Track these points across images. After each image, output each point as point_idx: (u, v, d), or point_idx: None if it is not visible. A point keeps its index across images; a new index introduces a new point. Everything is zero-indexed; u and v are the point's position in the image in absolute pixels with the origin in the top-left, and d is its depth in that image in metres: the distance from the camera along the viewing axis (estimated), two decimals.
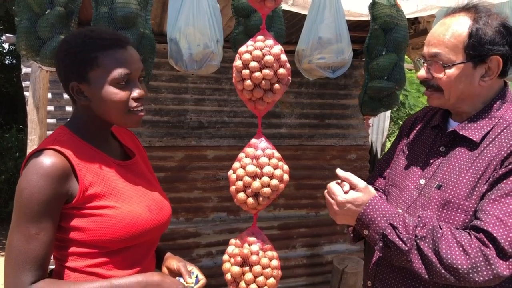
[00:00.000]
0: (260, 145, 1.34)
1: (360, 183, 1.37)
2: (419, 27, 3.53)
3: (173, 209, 3.91)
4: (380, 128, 5.68)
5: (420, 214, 1.34)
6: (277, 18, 1.86)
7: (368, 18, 2.10)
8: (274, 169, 1.30)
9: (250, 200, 1.31)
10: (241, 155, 1.35)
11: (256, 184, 1.28)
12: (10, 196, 7.13)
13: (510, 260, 1.16)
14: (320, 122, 4.32)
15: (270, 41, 1.27)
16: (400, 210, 1.42)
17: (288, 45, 1.92)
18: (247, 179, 1.29)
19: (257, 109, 1.35)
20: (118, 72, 1.26)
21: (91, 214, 1.27)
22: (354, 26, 3.48)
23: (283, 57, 1.26)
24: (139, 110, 1.33)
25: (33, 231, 1.20)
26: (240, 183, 1.30)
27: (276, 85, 1.26)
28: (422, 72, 1.40)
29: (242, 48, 1.28)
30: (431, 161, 1.43)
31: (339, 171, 1.41)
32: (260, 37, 1.30)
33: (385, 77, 1.99)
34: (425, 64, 1.39)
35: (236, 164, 1.34)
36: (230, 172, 1.34)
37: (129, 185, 1.39)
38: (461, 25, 1.33)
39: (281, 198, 4.30)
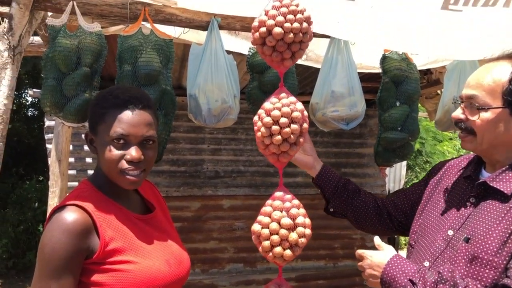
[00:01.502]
0: (286, 197, 1.38)
1: (381, 243, 1.43)
2: (431, 78, 3.60)
3: (190, 260, 3.91)
4: (397, 176, 5.66)
5: (441, 269, 1.32)
6: (290, 74, 1.93)
7: (379, 70, 2.17)
8: (304, 218, 1.34)
9: (288, 252, 1.33)
10: (268, 209, 1.37)
11: (294, 236, 1.31)
12: (28, 246, 7.16)
13: None
14: (336, 171, 4.33)
15: (292, 98, 1.35)
16: (427, 263, 1.41)
17: (302, 96, 2.00)
18: (283, 232, 1.32)
19: (280, 162, 1.40)
20: (114, 130, 1.32)
21: (111, 269, 1.29)
22: (368, 77, 3.57)
23: (305, 112, 1.33)
24: (131, 174, 1.34)
25: (53, 287, 1.22)
26: (276, 237, 1.32)
27: (301, 139, 1.32)
28: (457, 113, 1.40)
29: (268, 105, 1.33)
30: (461, 212, 1.41)
31: (377, 240, 1.47)
32: (283, 94, 1.37)
33: (398, 128, 2.02)
34: (462, 105, 1.40)
35: (265, 219, 1.35)
36: (258, 227, 1.35)
37: (148, 240, 1.41)
38: (502, 71, 1.34)
39: None
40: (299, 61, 2.55)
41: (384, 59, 2.07)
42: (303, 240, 1.32)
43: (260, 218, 1.38)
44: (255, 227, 1.38)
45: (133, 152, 1.33)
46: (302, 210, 1.35)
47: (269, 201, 1.40)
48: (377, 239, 1.48)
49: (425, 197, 1.61)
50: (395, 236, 5.01)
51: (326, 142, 4.35)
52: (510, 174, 1.35)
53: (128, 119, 1.33)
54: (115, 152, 1.32)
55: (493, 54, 1.47)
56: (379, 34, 1.77)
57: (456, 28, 1.81)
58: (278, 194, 1.40)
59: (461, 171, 1.54)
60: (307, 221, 1.34)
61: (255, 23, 1.35)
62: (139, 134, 1.34)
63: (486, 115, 1.34)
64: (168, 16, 1.82)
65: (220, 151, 4.02)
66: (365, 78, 3.57)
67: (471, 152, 1.50)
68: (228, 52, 2.03)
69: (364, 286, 4.34)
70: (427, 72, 3.55)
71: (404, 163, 5.77)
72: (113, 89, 1.40)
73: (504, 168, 1.37)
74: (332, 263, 4.31)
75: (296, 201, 1.36)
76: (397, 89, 2.04)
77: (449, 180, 1.56)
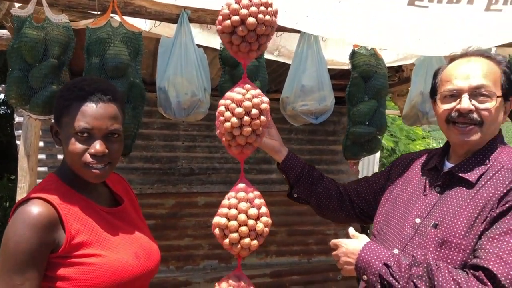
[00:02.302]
0: (249, 188, 1.39)
1: (355, 233, 1.47)
2: (403, 75, 3.67)
3: (163, 258, 3.87)
4: (370, 173, 5.74)
5: (414, 253, 1.37)
6: (262, 68, 1.95)
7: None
8: (266, 208, 1.37)
9: (255, 242, 1.34)
10: (233, 201, 1.37)
11: (260, 225, 1.33)
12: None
13: None
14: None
15: (258, 90, 1.37)
16: (396, 250, 1.45)
17: (277, 93, 2.03)
18: (251, 222, 1.33)
19: (244, 154, 1.41)
20: (78, 124, 1.30)
21: (78, 262, 1.27)
22: (341, 75, 3.61)
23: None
24: (95, 167, 1.33)
25: (17, 281, 1.20)
26: (244, 228, 1.33)
27: (262, 130, 1.35)
28: (466, 104, 1.38)
29: (238, 96, 1.34)
30: (427, 201, 1.47)
31: (351, 230, 1.51)
32: (248, 86, 1.38)
33: (367, 123, 2.06)
34: (466, 96, 1.40)
35: (232, 211, 1.36)
36: (223, 220, 1.35)
37: (116, 233, 1.41)
38: (492, 64, 1.42)
39: (272, 245, 4.27)
40: (271, 57, 2.57)
41: (353, 55, 2.10)
42: (267, 229, 1.35)
43: (224, 210, 1.38)
44: (221, 220, 1.38)
45: (97, 145, 1.31)
46: (263, 200, 1.38)
47: (232, 193, 1.41)
48: (351, 229, 1.52)
49: (389, 189, 1.65)
50: (367, 226, 5.09)
51: (300, 139, 4.38)
52: (474, 163, 1.42)
53: (92, 112, 1.31)
54: (79, 146, 1.31)
55: (462, 49, 1.51)
56: (347, 29, 1.80)
57: (423, 24, 1.85)
58: (241, 185, 1.41)
59: (424, 163, 1.59)
60: (267, 210, 1.37)
61: (226, 11, 1.35)
62: (104, 127, 1.33)
63: (493, 104, 1.39)
64: (137, 8, 1.81)
65: (195, 148, 4.00)
66: (338, 75, 3.61)
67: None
68: (201, 46, 2.03)
69: (337, 281, 4.39)
70: (399, 69, 3.61)
71: (377, 159, 5.86)
72: (78, 81, 1.39)
73: (467, 158, 1.43)
74: (306, 259, 4.34)
75: (257, 192, 1.38)
76: (365, 84, 2.07)
77: (412, 172, 1.61)
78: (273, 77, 3.56)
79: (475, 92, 1.39)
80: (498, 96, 1.39)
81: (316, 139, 4.42)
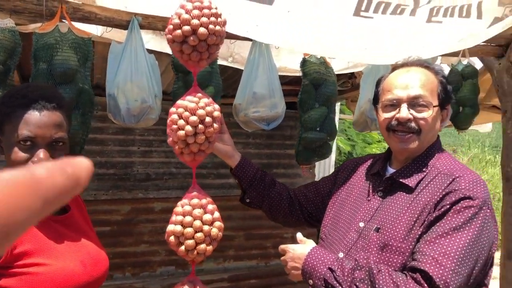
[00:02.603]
0: (201, 194, 1.42)
1: (303, 238, 1.51)
2: (355, 82, 3.78)
3: (119, 264, 3.83)
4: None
5: (357, 257, 1.42)
6: (215, 74, 1.96)
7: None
8: (218, 212, 1.40)
9: (210, 247, 1.36)
10: (187, 208, 1.39)
11: (215, 230, 1.35)
12: None
13: None
14: (268, 172, 4.41)
15: (209, 98, 1.40)
16: (342, 254, 1.49)
17: (233, 99, 2.05)
18: (206, 228, 1.35)
19: (196, 161, 1.43)
20: (21, 132, 1.27)
21: (20, 272, 1.24)
22: (296, 81, 3.67)
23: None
24: None
25: None
26: (200, 235, 1.34)
27: (214, 137, 1.39)
28: (405, 113, 1.45)
29: (192, 105, 1.36)
30: (370, 205, 1.52)
31: (299, 235, 1.54)
32: (200, 94, 1.41)
33: (317, 129, 2.11)
34: (405, 106, 1.46)
35: (188, 218, 1.37)
36: (179, 227, 1.36)
37: (62, 240, 1.38)
38: (430, 75, 1.50)
39: (230, 249, 4.28)
40: (225, 63, 2.59)
41: (304, 63, 2.15)
42: (220, 233, 1.38)
43: (179, 218, 1.39)
44: (176, 227, 1.39)
45: (41, 154, 1.28)
46: (215, 205, 1.41)
47: (185, 201, 1.43)
48: (299, 234, 1.56)
49: (335, 193, 1.70)
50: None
51: (258, 143, 4.42)
52: (413, 169, 1.48)
53: (36, 120, 1.29)
54: (21, 154, 1.28)
55: (403, 59, 1.58)
56: (296, 38, 1.85)
57: (368, 34, 1.92)
58: (194, 192, 1.43)
59: (368, 168, 1.65)
60: (219, 215, 1.41)
61: (176, 20, 1.36)
62: (47, 135, 1.30)
63: (430, 113, 1.46)
64: (87, 14, 1.78)
65: (151, 153, 3.96)
66: (293, 81, 3.68)
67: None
68: (153, 52, 2.03)
69: (295, 284, 4.45)
70: (352, 76, 3.72)
71: (332, 162, 5.98)
72: (22, 88, 1.36)
73: (407, 164, 1.49)
74: (264, 262, 4.38)
75: (209, 198, 1.41)
76: (316, 91, 2.12)
77: (357, 177, 1.67)
78: (229, 83, 3.58)
79: (413, 102, 1.46)
80: (434, 106, 1.46)
81: (273, 143, 4.47)
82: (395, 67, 1.58)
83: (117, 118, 1.78)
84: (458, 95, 2.54)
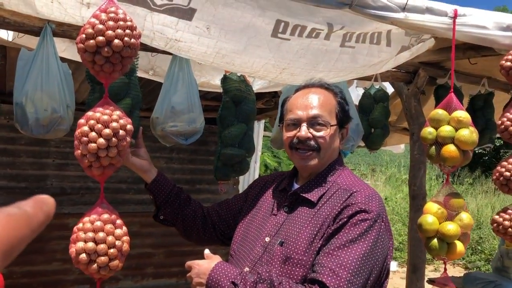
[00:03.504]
0: (109, 209, 1.39)
1: (210, 254, 1.50)
2: (278, 100, 3.88)
3: (27, 284, 3.57)
4: None
5: (260, 270, 1.43)
6: (134, 85, 1.92)
7: None
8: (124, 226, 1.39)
9: (119, 262, 1.37)
10: (98, 223, 1.36)
11: (126, 245, 1.37)
12: None
13: None
14: (191, 187, 4.37)
15: (121, 111, 1.37)
16: (247, 269, 1.50)
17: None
18: (119, 243, 1.35)
19: (105, 175, 1.40)
20: None
21: None
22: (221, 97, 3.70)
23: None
24: None
25: None
26: (113, 250, 1.34)
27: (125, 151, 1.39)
28: (304, 132, 1.51)
29: (105, 117, 1.33)
30: (276, 220, 1.55)
31: (206, 251, 1.52)
32: (112, 107, 1.38)
33: (236, 145, 2.13)
34: (304, 125, 1.52)
35: (101, 234, 1.34)
36: (91, 245, 1.32)
37: None
38: (329, 96, 1.58)
39: (149, 267, 4.16)
40: (146, 76, 2.56)
41: (224, 79, 2.18)
42: (127, 247, 1.37)
43: (90, 234, 1.34)
44: (88, 245, 1.33)
45: None
46: (121, 220, 1.39)
47: (94, 216, 1.38)
48: (206, 251, 1.54)
49: (245, 210, 1.73)
50: None
51: (182, 158, 4.38)
52: (316, 185, 1.55)
53: None
54: None
55: (305, 81, 1.65)
56: (215, 55, 1.87)
57: (286, 55, 1.99)
58: (103, 207, 1.39)
59: (276, 185, 1.69)
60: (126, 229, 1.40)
61: (90, 30, 1.33)
62: None
63: (329, 131, 1.53)
64: None
65: (67, 166, 3.78)
66: (218, 97, 3.69)
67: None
68: (69, 61, 1.95)
69: None
70: (275, 95, 3.82)
71: (256, 176, 6.05)
72: None
73: (310, 180, 1.55)
74: (184, 280, 4.27)
75: (116, 212, 1.39)
76: (236, 108, 2.15)
77: (266, 194, 1.70)
78: (153, 96, 3.52)
79: (313, 121, 1.53)
80: (332, 125, 1.54)
81: (197, 158, 4.45)
82: (298, 89, 1.66)
83: (24, 128, 1.69)
84: (370, 117, 2.69)
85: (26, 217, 0.44)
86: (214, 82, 2.71)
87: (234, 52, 1.88)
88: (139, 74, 2.50)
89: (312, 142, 1.52)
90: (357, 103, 2.84)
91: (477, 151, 15.88)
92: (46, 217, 0.47)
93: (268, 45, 1.88)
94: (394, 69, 2.74)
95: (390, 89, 3.07)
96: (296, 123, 1.55)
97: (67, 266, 3.76)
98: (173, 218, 1.79)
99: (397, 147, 5.28)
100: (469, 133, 1.61)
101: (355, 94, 3.06)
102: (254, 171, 5.69)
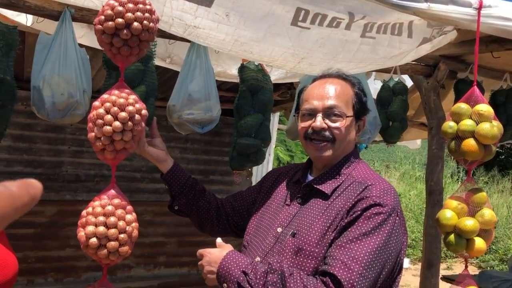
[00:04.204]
0: (121, 195, 1.38)
1: (222, 243, 1.49)
2: (294, 92, 3.84)
3: (41, 269, 3.62)
4: None
5: (271, 260, 1.42)
6: (150, 73, 1.91)
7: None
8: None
9: (128, 248, 1.34)
10: (110, 208, 1.36)
11: (136, 231, 1.36)
12: None
13: None
14: (205, 178, 4.37)
15: (136, 95, 1.37)
16: (258, 259, 1.49)
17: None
18: (129, 228, 1.34)
19: (117, 159, 1.39)
20: None
21: None
22: (237, 87, 3.67)
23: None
24: None
25: None
26: (124, 236, 1.33)
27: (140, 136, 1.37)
28: (319, 123, 1.49)
29: (121, 100, 1.32)
30: (289, 211, 1.54)
31: (219, 240, 1.51)
32: (128, 90, 1.37)
33: (252, 135, 2.11)
34: (320, 115, 1.50)
35: (112, 219, 1.34)
36: (102, 229, 1.32)
37: None
38: (347, 86, 1.55)
39: (161, 256, 4.18)
40: (163, 64, 2.54)
41: (242, 69, 2.16)
42: (136, 233, 1.37)
43: (101, 218, 1.34)
44: (99, 229, 1.33)
45: None
46: (130, 206, 1.38)
47: (106, 200, 1.37)
48: (218, 239, 1.54)
49: (259, 202, 1.72)
50: None
51: (196, 149, 4.37)
52: (330, 177, 1.52)
53: None
54: None
55: (323, 71, 1.62)
56: (234, 42, 1.85)
57: (305, 44, 1.96)
58: (113, 192, 1.39)
59: (290, 177, 1.68)
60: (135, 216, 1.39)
61: (109, 12, 1.32)
62: None
63: (344, 122, 1.50)
64: (14, 0, 1.69)
65: (82, 153, 3.80)
66: (234, 88, 3.68)
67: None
68: (85, 47, 1.95)
69: None
70: (291, 87, 3.78)
71: (270, 169, 6.04)
72: None
73: (325, 172, 1.53)
74: (196, 270, 4.30)
75: (125, 199, 1.38)
76: (253, 98, 2.13)
77: (280, 186, 1.69)
78: (169, 85, 3.52)
79: (328, 112, 1.50)
80: (348, 116, 1.51)
81: (212, 149, 4.44)
82: (315, 79, 1.62)
83: (40, 112, 1.69)
84: (388, 110, 2.65)
85: (11, 196, 0.44)
86: (230, 72, 2.68)
87: (253, 40, 1.85)
88: (156, 62, 2.49)
89: (327, 133, 1.50)
90: (375, 96, 2.79)
91: None
92: (31, 199, 0.47)
93: (288, 34, 1.85)
94: (413, 62, 2.69)
95: (409, 82, 3.02)
96: (312, 113, 1.53)
97: (80, 252, 3.77)
98: (187, 209, 1.78)
99: (414, 142, 5.21)
100: (489, 127, 1.56)
101: (373, 86, 3.01)
102: (268, 163, 5.67)
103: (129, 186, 3.97)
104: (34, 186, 0.48)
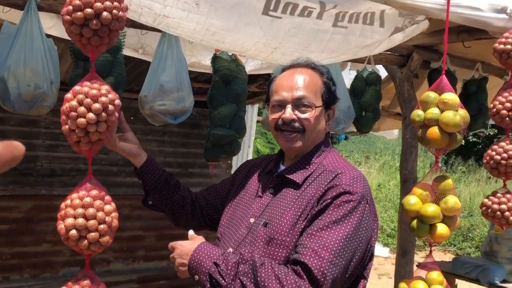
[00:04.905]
0: (97, 185, 1.37)
1: (194, 235, 1.48)
2: None
3: (17, 266, 3.56)
4: None
5: (243, 251, 1.42)
6: (118, 64, 1.88)
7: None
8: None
9: (109, 238, 1.31)
10: (88, 199, 1.34)
11: (115, 221, 1.34)
12: None
13: None
14: (184, 171, 4.35)
15: (108, 86, 1.34)
16: (231, 249, 1.49)
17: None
18: (108, 219, 1.32)
19: (93, 151, 1.38)
20: None
21: None
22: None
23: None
24: None
25: None
26: (103, 226, 1.30)
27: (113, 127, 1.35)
28: (289, 114, 1.49)
29: (94, 92, 1.29)
30: (262, 202, 1.54)
31: (191, 232, 1.51)
32: (99, 81, 1.35)
33: (227, 126, 2.10)
34: (289, 107, 1.49)
35: (91, 210, 1.31)
36: (81, 221, 1.30)
37: None
38: (316, 76, 1.54)
39: (140, 250, 4.16)
40: (135, 55, 2.51)
41: (215, 59, 2.14)
42: (116, 223, 1.35)
43: (79, 210, 1.33)
44: (78, 221, 1.31)
45: None
46: (109, 196, 1.36)
47: (83, 192, 1.36)
48: (191, 232, 1.53)
49: (232, 194, 1.71)
50: None
51: (174, 142, 4.34)
52: (301, 166, 1.52)
53: None
54: None
55: (292, 61, 1.62)
56: (205, 32, 1.83)
57: (277, 34, 1.95)
58: (92, 183, 1.37)
59: (263, 168, 1.68)
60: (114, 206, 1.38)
61: (77, 1, 1.29)
62: None
63: (313, 113, 1.50)
64: None
65: (57, 147, 3.74)
66: (211, 79, 3.65)
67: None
68: (51, 37, 1.90)
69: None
70: (268, 78, 3.77)
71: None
72: None
73: (296, 161, 1.54)
74: None
75: (103, 189, 1.36)
76: (226, 88, 2.12)
77: (253, 177, 1.69)
78: (144, 77, 3.48)
79: (297, 103, 1.50)
80: (318, 106, 1.52)
81: (190, 142, 4.41)
82: (284, 69, 1.62)
83: (6, 104, 1.65)
84: (361, 100, 2.66)
85: None
86: (205, 63, 2.66)
87: (224, 30, 1.84)
88: (128, 53, 2.46)
89: (297, 124, 1.50)
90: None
91: (470, 140, 15.95)
92: (12, 159, 0.50)
93: (259, 23, 1.84)
94: (387, 52, 2.71)
95: (383, 72, 3.04)
96: (282, 105, 1.52)
97: (57, 247, 3.74)
98: (162, 203, 1.77)
99: (390, 132, 5.27)
100: (452, 115, 1.58)
101: (349, 77, 3.03)
102: (248, 156, 5.67)
103: (106, 180, 3.93)
104: (16, 146, 0.52)
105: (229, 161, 3.69)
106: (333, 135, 6.81)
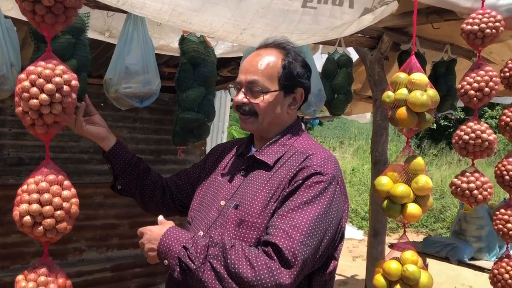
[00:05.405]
0: (56, 171, 1.32)
1: (163, 220, 1.46)
2: None
3: None
4: None
5: (213, 234, 1.40)
6: (82, 46, 1.81)
7: None
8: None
9: (68, 224, 1.27)
10: (44, 184, 1.29)
11: (74, 207, 1.30)
12: None
13: (292, 269, 1.25)
14: (157, 158, 4.30)
15: (65, 66, 1.29)
16: (201, 233, 1.47)
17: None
18: (66, 205, 1.28)
19: (50, 134, 1.33)
20: None
21: None
22: None
23: None
24: None
25: None
26: (60, 212, 1.27)
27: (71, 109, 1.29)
28: (240, 97, 1.49)
29: (47, 72, 1.24)
30: (233, 184, 1.53)
31: (160, 217, 1.48)
32: (55, 61, 1.29)
33: (195, 109, 2.07)
34: (242, 90, 1.49)
35: (46, 196, 1.27)
36: (35, 206, 1.26)
37: None
38: (275, 58, 1.50)
39: (114, 238, 4.11)
40: (102, 38, 2.44)
41: (182, 41, 2.09)
42: (76, 209, 1.31)
43: (34, 196, 1.28)
44: (32, 206, 1.27)
45: None
46: (69, 181, 1.31)
47: (39, 177, 1.31)
48: (160, 217, 1.51)
49: (203, 177, 1.70)
50: None
51: (146, 128, 4.27)
52: (273, 148, 1.51)
53: None
54: None
55: (264, 40, 1.59)
56: (171, 12, 1.78)
57: (246, 15, 1.92)
58: (49, 168, 1.32)
59: (234, 150, 1.66)
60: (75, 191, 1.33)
61: None
62: None
63: (267, 97, 1.48)
64: None
65: (24, 135, 3.63)
66: None
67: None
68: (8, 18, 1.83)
69: None
70: (241, 62, 3.73)
71: None
72: None
73: (268, 143, 1.52)
74: None
75: (63, 173, 1.32)
76: (194, 71, 2.08)
77: (224, 159, 1.67)
78: None
79: (249, 86, 1.49)
80: (272, 91, 1.49)
81: (162, 128, 4.35)
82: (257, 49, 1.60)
83: None
84: (333, 82, 2.66)
85: None
86: (173, 45, 2.61)
87: (191, 10, 1.79)
88: (94, 36, 2.39)
89: (247, 108, 1.50)
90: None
91: (442, 124, 16.27)
92: None
93: (227, 3, 1.81)
94: (358, 34, 2.71)
95: (354, 55, 3.05)
96: (239, 87, 1.52)
97: (27, 238, 3.63)
98: (131, 188, 1.74)
99: (363, 116, 5.32)
100: (419, 95, 1.58)
101: (320, 60, 3.02)
102: (222, 142, 5.64)
103: (77, 168, 3.85)
104: None
105: (202, 147, 3.65)
106: (307, 120, 6.82)
